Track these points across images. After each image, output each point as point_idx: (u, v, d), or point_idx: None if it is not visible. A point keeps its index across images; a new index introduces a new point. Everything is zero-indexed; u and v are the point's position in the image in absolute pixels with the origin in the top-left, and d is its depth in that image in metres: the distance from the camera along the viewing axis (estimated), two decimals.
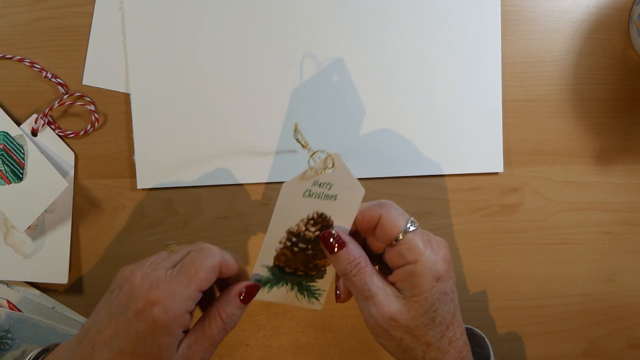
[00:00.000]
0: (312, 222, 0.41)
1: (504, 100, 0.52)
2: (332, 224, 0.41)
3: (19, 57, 0.50)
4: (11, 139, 0.50)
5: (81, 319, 0.52)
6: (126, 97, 0.51)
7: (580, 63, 0.53)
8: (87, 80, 0.51)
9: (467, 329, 0.44)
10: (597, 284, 0.54)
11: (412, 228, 0.38)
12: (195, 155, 0.51)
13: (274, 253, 0.41)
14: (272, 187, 0.52)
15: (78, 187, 0.52)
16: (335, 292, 0.42)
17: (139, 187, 0.51)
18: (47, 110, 0.50)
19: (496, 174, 0.53)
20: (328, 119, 0.52)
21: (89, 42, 0.51)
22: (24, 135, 0.50)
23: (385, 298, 0.38)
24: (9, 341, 0.48)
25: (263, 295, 0.42)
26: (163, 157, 0.51)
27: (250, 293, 0.39)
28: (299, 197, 0.40)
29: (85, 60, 0.51)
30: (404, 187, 0.53)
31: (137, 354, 0.35)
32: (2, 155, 0.49)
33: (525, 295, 0.54)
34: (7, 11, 0.50)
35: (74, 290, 0.52)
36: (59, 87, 0.51)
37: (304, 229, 0.41)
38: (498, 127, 0.52)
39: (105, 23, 0.50)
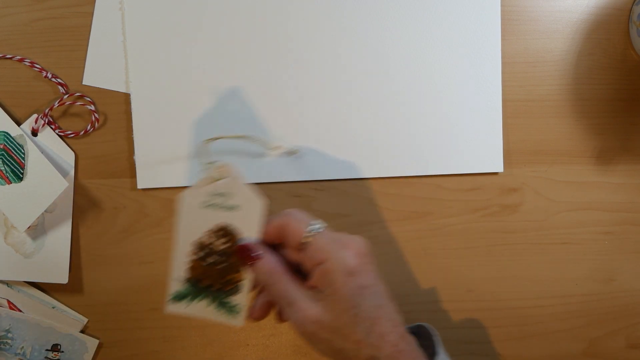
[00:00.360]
0: (220, 233, 0.41)
1: (504, 100, 0.52)
2: (239, 235, 0.41)
3: (19, 57, 0.50)
4: (11, 139, 0.50)
5: (82, 318, 0.52)
6: (126, 97, 0.51)
7: (580, 63, 0.53)
8: (87, 80, 0.51)
9: (418, 326, 0.45)
10: (597, 284, 0.54)
11: (314, 230, 0.39)
12: (195, 155, 0.51)
13: (185, 266, 0.41)
14: (272, 187, 0.52)
15: (78, 187, 0.52)
16: (251, 309, 0.42)
17: (139, 187, 0.51)
18: (47, 110, 0.50)
19: (496, 174, 0.53)
20: (328, 119, 0.52)
21: (89, 42, 0.51)
22: (24, 135, 0.50)
23: (307, 302, 0.39)
24: (9, 341, 0.49)
25: (182, 308, 0.42)
26: (163, 157, 0.51)
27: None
28: (199, 208, 0.40)
29: (85, 60, 0.51)
30: (404, 187, 0.53)
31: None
32: (3, 155, 0.49)
33: (525, 295, 0.54)
34: (7, 11, 0.50)
35: (74, 290, 0.52)
36: (59, 87, 0.51)
37: (212, 241, 0.41)
38: (498, 127, 0.52)
39: (105, 23, 0.50)
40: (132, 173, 0.51)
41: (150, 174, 0.51)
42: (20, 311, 0.50)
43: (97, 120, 0.51)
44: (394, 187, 0.53)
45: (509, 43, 0.52)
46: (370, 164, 0.52)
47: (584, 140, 0.53)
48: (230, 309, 0.43)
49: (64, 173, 0.51)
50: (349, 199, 0.53)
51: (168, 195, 0.52)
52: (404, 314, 0.53)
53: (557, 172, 0.53)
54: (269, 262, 0.40)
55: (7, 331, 0.49)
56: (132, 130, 0.51)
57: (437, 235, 0.53)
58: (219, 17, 0.51)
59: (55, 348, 0.51)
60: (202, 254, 0.42)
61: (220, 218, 0.41)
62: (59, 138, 0.51)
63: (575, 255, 0.54)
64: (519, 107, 0.53)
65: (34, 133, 0.50)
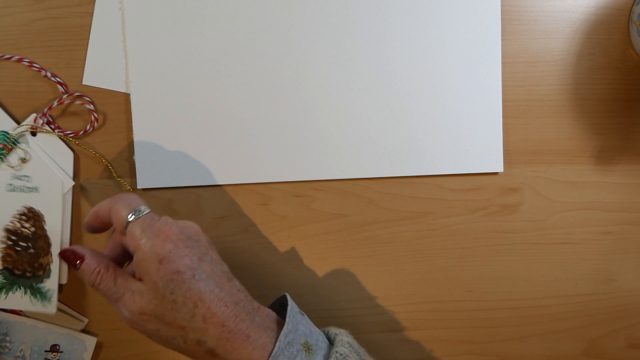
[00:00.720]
0: (24, 218, 0.42)
1: (504, 100, 0.52)
2: (43, 217, 0.42)
3: (17, 57, 0.50)
4: (11, 139, 0.50)
5: (81, 317, 0.52)
6: (126, 97, 0.51)
7: (580, 63, 0.53)
8: (87, 80, 0.51)
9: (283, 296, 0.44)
10: (596, 284, 0.54)
11: (133, 217, 0.39)
12: (195, 155, 0.51)
13: None
14: (273, 187, 0.52)
15: (77, 187, 0.52)
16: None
17: (138, 187, 0.51)
18: (46, 110, 0.50)
19: (496, 173, 0.53)
20: (327, 119, 0.52)
21: (89, 42, 0.51)
22: (27, 136, 0.50)
23: (131, 296, 0.39)
24: (7, 344, 0.48)
25: (0, 302, 0.43)
26: (163, 157, 0.51)
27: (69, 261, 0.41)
28: (3, 192, 0.41)
29: (85, 60, 0.51)
30: (404, 187, 0.53)
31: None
32: (2, 155, 0.49)
33: (524, 295, 0.54)
34: (7, 11, 0.50)
35: (73, 291, 0.52)
36: (58, 87, 0.50)
37: (19, 226, 0.42)
38: (498, 127, 0.52)
39: (105, 23, 0.50)
40: (132, 173, 0.51)
41: (150, 174, 0.51)
42: (20, 312, 0.50)
43: (97, 119, 0.51)
44: (394, 187, 0.53)
45: (509, 43, 0.52)
46: (370, 164, 0.52)
47: (584, 140, 0.53)
48: (43, 296, 0.44)
49: (63, 173, 0.51)
50: (349, 199, 0.53)
51: (168, 196, 0.52)
52: (403, 314, 0.53)
53: (557, 172, 0.54)
54: (90, 263, 0.41)
55: (5, 334, 0.49)
56: (131, 131, 0.51)
57: (437, 235, 0.53)
58: (220, 17, 0.51)
59: (54, 349, 0.51)
60: (12, 240, 0.42)
61: (24, 200, 0.42)
62: (58, 138, 0.51)
63: (575, 255, 0.54)
64: (519, 107, 0.53)
65: (34, 133, 0.50)
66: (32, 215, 0.43)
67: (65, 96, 0.50)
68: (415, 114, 0.52)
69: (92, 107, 0.51)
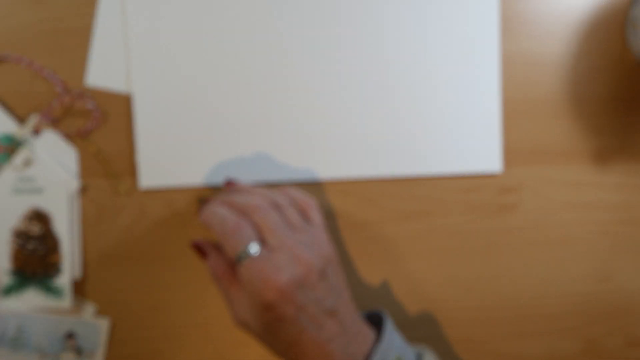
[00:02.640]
0: (31, 218, 0.42)
1: (504, 100, 0.53)
2: (50, 219, 0.43)
3: (17, 57, 0.50)
4: (14, 140, 0.50)
5: (89, 303, 0.52)
6: (128, 97, 0.51)
7: (579, 64, 0.53)
8: (89, 81, 0.51)
9: (372, 314, 0.47)
10: (595, 283, 0.54)
11: (245, 255, 0.40)
12: (197, 156, 0.52)
13: (8, 256, 0.42)
14: (272, 187, 0.52)
15: (82, 187, 0.52)
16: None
17: (140, 186, 0.51)
18: (47, 110, 0.50)
19: (495, 174, 0.53)
20: (327, 119, 0.52)
21: (91, 42, 0.51)
22: (28, 136, 0.50)
23: (239, 307, 0.41)
24: (24, 340, 0.48)
25: (12, 302, 0.43)
26: (165, 157, 0.51)
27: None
28: (9, 195, 0.41)
29: (87, 60, 0.51)
30: (404, 187, 0.53)
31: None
32: (7, 156, 0.50)
33: (523, 295, 0.54)
34: (10, 12, 0.51)
35: (74, 290, 0.52)
36: (59, 86, 0.51)
37: (27, 227, 0.42)
38: (497, 127, 0.53)
39: (107, 23, 0.51)
40: (135, 173, 0.52)
41: (152, 174, 0.51)
42: None
43: (98, 118, 0.51)
44: (394, 187, 0.53)
45: (508, 44, 0.53)
46: (370, 164, 0.52)
47: (583, 140, 0.54)
48: (56, 293, 0.45)
49: (66, 173, 0.51)
50: (349, 199, 0.53)
51: (170, 196, 0.52)
52: (404, 314, 0.54)
53: (556, 172, 0.54)
54: (211, 263, 0.44)
55: (19, 330, 0.49)
56: (134, 131, 0.51)
57: (437, 235, 0.53)
58: (222, 17, 0.51)
59: (69, 336, 0.51)
60: (21, 241, 0.43)
61: (30, 202, 0.42)
62: (60, 138, 0.51)
63: (574, 255, 0.54)
64: (518, 107, 0.53)
65: (36, 133, 0.51)
66: (39, 216, 0.43)
67: (66, 95, 0.50)
68: (414, 115, 0.52)
69: (93, 106, 0.51)
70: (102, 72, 0.51)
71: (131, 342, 0.53)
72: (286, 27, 0.51)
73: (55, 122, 0.51)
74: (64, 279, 0.47)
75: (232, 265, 0.43)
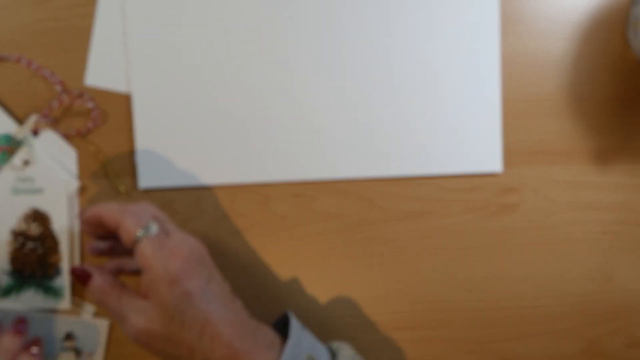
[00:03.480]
0: (31, 219, 0.42)
1: (504, 100, 0.53)
2: (49, 217, 0.43)
3: (16, 57, 0.50)
4: (14, 140, 0.50)
5: (90, 307, 0.52)
6: (128, 98, 0.51)
7: (579, 63, 0.53)
8: (89, 81, 0.51)
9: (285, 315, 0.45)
10: (596, 283, 0.54)
11: (143, 234, 0.39)
12: (196, 156, 0.51)
13: (7, 257, 0.42)
14: (273, 187, 0.52)
15: (81, 186, 0.52)
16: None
17: (139, 187, 0.51)
18: (46, 111, 0.50)
19: (496, 173, 0.53)
20: (327, 119, 0.52)
21: (91, 42, 0.51)
22: (27, 136, 0.50)
23: (136, 315, 0.40)
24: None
25: (11, 303, 0.43)
26: (164, 157, 0.51)
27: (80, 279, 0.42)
28: (8, 195, 0.41)
29: (87, 60, 0.51)
30: (404, 187, 0.53)
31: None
32: (6, 156, 0.50)
33: (524, 295, 0.54)
34: (10, 12, 0.51)
35: (73, 291, 0.52)
36: (58, 86, 0.51)
37: (26, 227, 0.42)
38: (497, 127, 0.53)
39: (107, 23, 0.51)
40: (134, 173, 0.52)
41: (152, 174, 0.51)
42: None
43: (98, 117, 0.51)
44: (394, 187, 0.53)
45: (509, 43, 0.53)
46: (370, 164, 0.52)
47: (583, 140, 0.54)
48: (55, 293, 0.45)
49: (66, 173, 0.51)
50: (349, 199, 0.53)
51: (169, 196, 0.52)
52: (403, 314, 0.54)
53: (556, 172, 0.54)
54: (97, 282, 0.42)
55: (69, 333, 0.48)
56: (133, 131, 0.51)
57: (437, 235, 0.53)
58: (221, 17, 0.51)
59: (69, 337, 0.51)
60: (20, 241, 0.43)
61: (29, 202, 0.42)
62: (60, 138, 0.51)
63: (575, 255, 0.54)
64: (518, 107, 0.53)
65: (35, 133, 0.51)
66: (38, 216, 0.43)
67: (64, 95, 0.50)
68: (415, 114, 0.52)
69: (92, 105, 0.51)
70: (101, 72, 0.51)
71: (130, 343, 0.53)
72: (286, 27, 0.51)
73: (54, 122, 0.51)
74: (63, 280, 0.46)
75: (117, 278, 0.43)
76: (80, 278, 0.42)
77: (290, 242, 0.53)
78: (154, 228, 0.40)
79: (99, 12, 0.51)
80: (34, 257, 0.44)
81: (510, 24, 0.52)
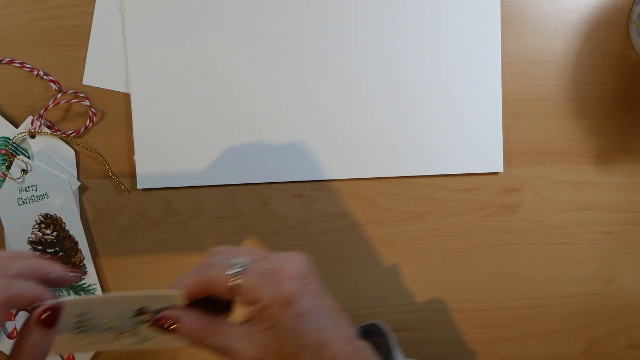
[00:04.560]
0: (43, 225, 0.42)
1: (504, 100, 0.52)
2: (62, 220, 0.42)
3: (8, 59, 0.50)
4: (14, 144, 0.50)
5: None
6: (126, 97, 0.51)
7: (580, 63, 0.53)
8: (87, 80, 0.51)
9: (370, 325, 0.43)
10: (596, 284, 0.54)
11: (238, 273, 0.36)
12: (195, 155, 0.51)
13: None
14: (273, 187, 0.52)
15: (82, 186, 0.52)
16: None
17: (139, 187, 0.51)
18: (42, 111, 0.50)
19: (496, 173, 0.53)
20: (328, 119, 0.52)
21: (89, 42, 0.51)
22: (27, 138, 0.50)
23: (243, 345, 0.36)
24: (89, 321, 0.41)
25: None
26: (163, 157, 0.51)
27: (52, 316, 0.36)
28: (15, 207, 0.41)
29: (85, 60, 0.51)
30: (404, 187, 0.53)
31: None
32: (5, 160, 0.49)
33: (524, 295, 0.54)
34: (7, 11, 0.50)
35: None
36: (52, 85, 0.50)
37: (41, 235, 0.42)
38: (498, 127, 0.52)
39: (105, 23, 0.50)
40: (132, 173, 0.51)
41: (150, 174, 0.51)
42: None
43: (95, 114, 0.51)
44: (394, 187, 0.53)
45: (509, 43, 0.52)
46: (370, 164, 0.52)
47: (584, 140, 0.53)
48: (87, 292, 0.44)
49: (65, 174, 0.51)
50: (349, 199, 0.53)
51: (168, 196, 0.52)
52: (404, 315, 0.53)
53: (557, 172, 0.54)
54: (188, 324, 0.38)
55: (81, 315, 0.42)
56: (132, 131, 0.51)
57: (437, 235, 0.53)
58: (220, 16, 0.51)
59: (140, 311, 0.42)
60: (38, 250, 0.42)
61: (38, 209, 0.42)
62: (58, 138, 0.51)
63: (575, 255, 0.54)
64: (519, 107, 0.53)
65: (32, 135, 0.50)
66: (50, 221, 0.42)
67: (60, 95, 0.50)
68: (415, 114, 0.52)
69: (88, 103, 0.51)
70: (99, 72, 0.51)
71: None
72: (287, 27, 0.51)
73: (52, 123, 0.51)
74: (92, 278, 0.44)
75: (206, 315, 0.39)
76: (167, 325, 0.38)
77: (290, 242, 0.53)
78: (242, 259, 0.37)
79: (97, 11, 0.50)
80: (57, 262, 0.43)
81: (511, 23, 0.52)
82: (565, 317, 0.54)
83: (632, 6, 0.52)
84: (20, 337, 0.35)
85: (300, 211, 0.52)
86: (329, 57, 0.51)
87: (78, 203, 0.50)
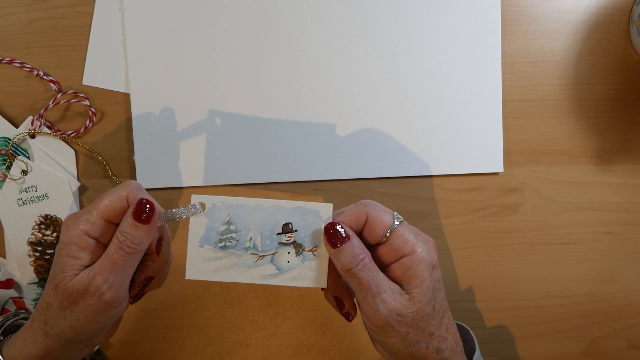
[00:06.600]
0: (43, 226, 0.42)
1: (504, 100, 0.52)
2: (62, 221, 0.42)
3: (8, 59, 0.50)
4: (14, 144, 0.49)
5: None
6: (126, 97, 0.51)
7: (581, 63, 0.53)
8: (87, 80, 0.51)
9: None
10: (597, 284, 0.54)
11: (397, 222, 0.39)
12: (195, 155, 0.51)
13: (31, 269, 0.42)
14: (272, 187, 0.52)
15: (81, 186, 0.52)
16: (341, 306, 0.42)
17: None
18: (42, 112, 0.50)
19: (496, 174, 0.53)
20: (328, 120, 0.52)
21: (89, 42, 0.51)
22: (27, 138, 0.50)
23: (391, 294, 0.38)
24: (234, 235, 0.40)
25: None
26: (163, 157, 0.51)
27: (139, 209, 0.37)
28: (16, 208, 0.41)
29: (85, 60, 0.51)
30: (404, 187, 0.53)
31: (51, 277, 0.37)
32: (6, 160, 0.49)
33: (525, 295, 0.54)
34: (7, 11, 0.50)
35: None
36: (52, 85, 0.50)
37: (41, 235, 0.42)
38: (498, 127, 0.52)
39: (105, 23, 0.50)
40: (132, 173, 0.51)
41: (150, 174, 0.51)
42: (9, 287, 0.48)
43: (95, 115, 0.51)
44: (394, 187, 0.53)
45: (509, 43, 0.52)
46: (371, 164, 0.52)
47: (584, 140, 0.53)
48: None
49: (65, 174, 0.51)
50: (349, 199, 0.53)
51: (168, 196, 0.52)
52: None
53: (557, 172, 0.53)
54: (358, 246, 0.38)
55: (229, 223, 0.41)
56: (131, 131, 0.51)
57: (437, 235, 0.53)
58: (219, 16, 0.51)
59: (286, 229, 0.41)
60: (39, 251, 0.42)
61: (38, 210, 0.42)
62: (58, 139, 0.51)
63: (576, 256, 0.54)
64: (519, 107, 0.53)
65: (32, 135, 0.50)
66: (50, 222, 0.42)
67: (59, 95, 0.50)
68: (415, 115, 0.52)
69: (88, 102, 0.50)
70: (99, 72, 0.51)
71: (130, 343, 0.53)
72: (287, 27, 0.51)
73: (52, 123, 0.51)
74: None
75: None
76: (336, 238, 0.38)
77: None
78: (401, 217, 0.40)
79: (97, 11, 0.50)
80: None
81: (511, 23, 0.52)
82: (566, 318, 0.54)
83: (632, 6, 0.52)
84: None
85: None
86: (329, 57, 0.51)
87: (78, 203, 0.50)
